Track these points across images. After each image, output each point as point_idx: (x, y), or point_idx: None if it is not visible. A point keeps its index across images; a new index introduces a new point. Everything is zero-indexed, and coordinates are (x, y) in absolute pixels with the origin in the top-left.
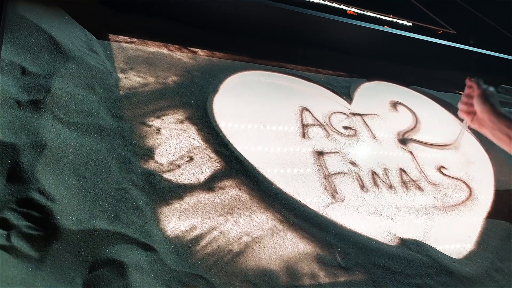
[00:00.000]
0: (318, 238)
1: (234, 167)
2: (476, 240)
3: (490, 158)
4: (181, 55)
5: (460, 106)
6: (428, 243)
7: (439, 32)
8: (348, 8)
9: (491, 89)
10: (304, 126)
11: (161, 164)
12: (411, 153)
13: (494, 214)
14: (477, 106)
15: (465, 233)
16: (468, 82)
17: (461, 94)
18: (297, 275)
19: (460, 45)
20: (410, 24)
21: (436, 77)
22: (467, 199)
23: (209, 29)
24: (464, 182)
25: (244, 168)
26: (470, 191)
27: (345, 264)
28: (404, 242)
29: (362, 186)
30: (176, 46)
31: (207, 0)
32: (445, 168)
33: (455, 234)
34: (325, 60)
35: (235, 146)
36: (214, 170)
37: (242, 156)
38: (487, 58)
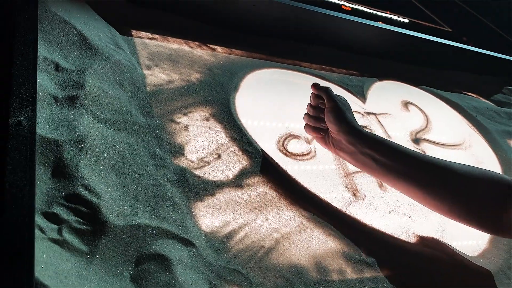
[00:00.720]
0: (343, 235)
1: (260, 164)
2: (489, 239)
3: (498, 158)
4: (201, 52)
5: (306, 119)
6: (445, 241)
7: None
8: (347, 4)
9: (344, 100)
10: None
11: (191, 161)
12: (424, 152)
13: None
14: (331, 125)
15: (478, 232)
16: (314, 90)
17: (468, 95)
18: (326, 270)
19: (467, 46)
20: (407, 21)
21: (444, 77)
22: None
23: (226, 26)
24: None
25: (269, 166)
26: None
27: (369, 260)
28: (422, 240)
29: (381, 185)
30: (196, 43)
31: None
32: None
33: (469, 233)
34: (338, 59)
35: (259, 144)
36: (241, 167)
37: (266, 153)
38: (492, 59)
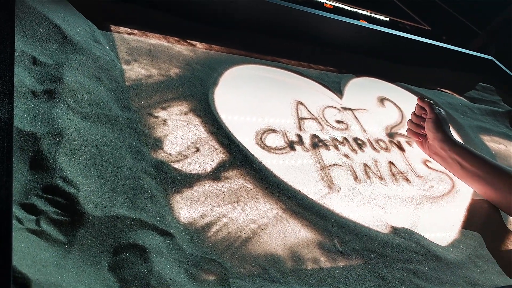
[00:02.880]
0: (318, 225)
1: (238, 158)
2: (459, 229)
3: None
4: (180, 48)
5: (409, 125)
6: (417, 231)
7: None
8: (329, 2)
9: (443, 113)
10: (300, 119)
11: (170, 154)
12: (399, 147)
13: (475, 205)
14: (429, 132)
15: (449, 222)
16: (420, 102)
17: (443, 91)
18: (301, 260)
19: (444, 44)
20: (387, 19)
21: (420, 74)
22: (450, 190)
23: (206, 22)
24: (447, 175)
25: (247, 159)
26: (453, 183)
27: (343, 250)
28: (395, 230)
29: (356, 178)
30: (175, 38)
31: None
32: (429, 161)
33: (441, 223)
34: (316, 55)
35: (237, 138)
36: (220, 160)
37: (244, 147)
38: (468, 57)
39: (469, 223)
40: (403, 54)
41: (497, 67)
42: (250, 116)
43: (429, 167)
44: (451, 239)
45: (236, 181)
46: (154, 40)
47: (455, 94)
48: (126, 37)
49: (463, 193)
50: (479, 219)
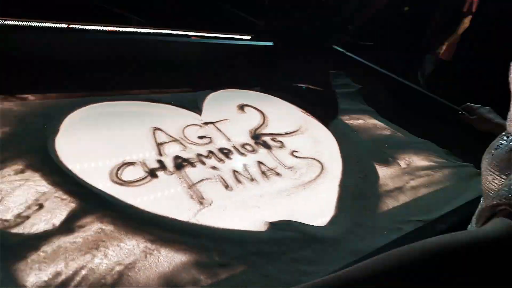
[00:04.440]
0: (193, 245)
1: (92, 202)
2: (335, 205)
3: (333, 134)
4: (9, 105)
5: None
6: (295, 219)
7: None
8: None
9: (484, 109)
10: (159, 145)
11: (6, 220)
12: (265, 146)
13: (345, 180)
14: (479, 126)
15: (324, 202)
16: (467, 108)
17: (300, 86)
18: (180, 285)
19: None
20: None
21: (275, 75)
22: (320, 173)
23: (37, 70)
24: (315, 159)
25: (102, 201)
26: (322, 165)
27: (223, 261)
28: (273, 225)
29: (227, 186)
30: (1, 96)
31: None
32: (296, 151)
33: (317, 205)
34: (167, 79)
35: (88, 182)
36: (70, 210)
37: (98, 189)
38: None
39: (342, 198)
40: (255, 61)
41: (341, 53)
42: (102, 155)
43: (297, 157)
44: (329, 218)
45: (93, 227)
46: None
47: (310, 86)
48: None
49: (333, 171)
50: (350, 192)
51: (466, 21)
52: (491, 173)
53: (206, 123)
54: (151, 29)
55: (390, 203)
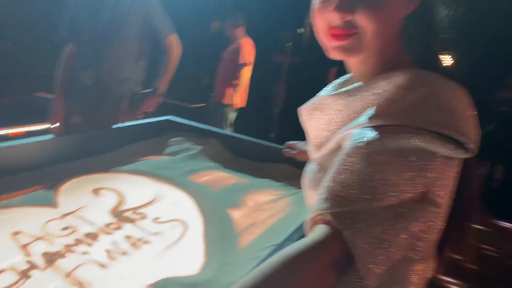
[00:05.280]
0: None
1: None
2: (203, 253)
3: (188, 194)
4: None
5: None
6: (172, 276)
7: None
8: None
9: (301, 143)
10: (23, 246)
11: None
12: (128, 220)
13: (207, 230)
14: (300, 157)
15: (194, 254)
16: (288, 145)
17: (144, 159)
18: None
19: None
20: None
21: (123, 152)
22: (185, 230)
23: None
24: (177, 220)
25: None
26: (184, 223)
27: None
28: (155, 286)
29: (102, 265)
30: None
31: None
32: (158, 218)
33: (188, 258)
34: (13, 182)
35: None
36: None
37: None
38: (149, 125)
39: (209, 246)
40: (96, 145)
41: (175, 123)
42: None
43: (160, 222)
44: (201, 264)
45: None
46: None
47: (156, 157)
48: None
49: (195, 226)
50: (216, 238)
51: None
52: (309, 192)
53: (65, 215)
54: None
55: (247, 238)
